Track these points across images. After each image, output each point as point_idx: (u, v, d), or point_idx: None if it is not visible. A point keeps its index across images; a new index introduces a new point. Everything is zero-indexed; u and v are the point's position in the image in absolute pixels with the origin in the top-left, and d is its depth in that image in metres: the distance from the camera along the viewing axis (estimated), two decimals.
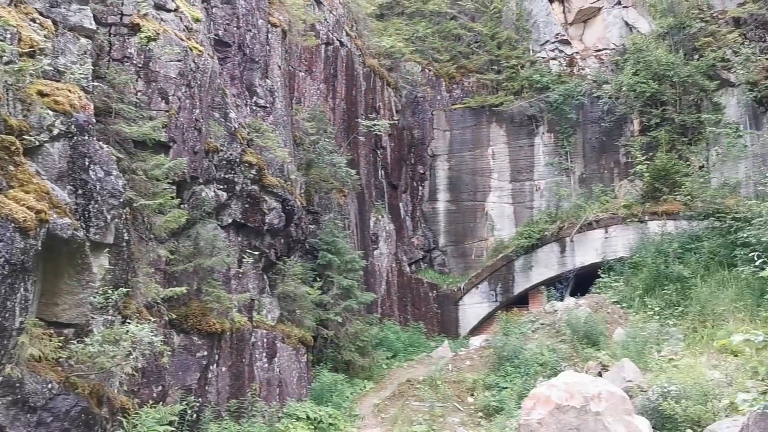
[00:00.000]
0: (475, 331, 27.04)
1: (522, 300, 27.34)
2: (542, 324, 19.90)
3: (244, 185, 14.75)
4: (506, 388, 16.42)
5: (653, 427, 11.43)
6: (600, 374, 16.12)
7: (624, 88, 26.55)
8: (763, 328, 17.73)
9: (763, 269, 19.19)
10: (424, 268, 29.19)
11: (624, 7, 30.05)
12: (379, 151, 27.47)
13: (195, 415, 12.10)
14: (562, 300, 23.80)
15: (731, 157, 24.60)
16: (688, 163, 25.41)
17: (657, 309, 19.89)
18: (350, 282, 18.89)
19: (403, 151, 29.26)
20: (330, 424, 15.32)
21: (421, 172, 30.19)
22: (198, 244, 13.16)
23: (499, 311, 26.82)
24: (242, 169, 14.69)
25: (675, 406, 11.57)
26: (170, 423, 10.98)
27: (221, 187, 14.40)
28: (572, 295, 25.08)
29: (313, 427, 14.85)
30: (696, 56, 26.47)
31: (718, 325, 18.24)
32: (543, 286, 26.61)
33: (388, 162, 28.08)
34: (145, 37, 12.41)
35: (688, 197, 23.01)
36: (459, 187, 29.94)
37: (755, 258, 19.45)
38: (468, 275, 28.28)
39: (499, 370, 17.54)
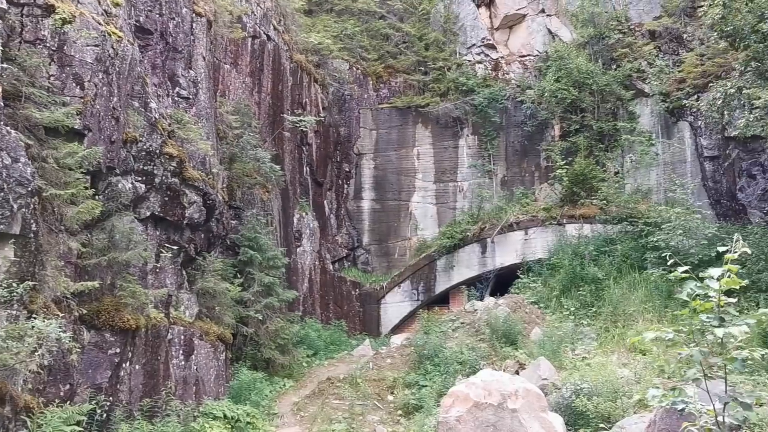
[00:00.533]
0: (397, 329, 27.19)
1: (443, 299, 27.67)
2: (463, 323, 20.18)
3: (163, 177, 14.29)
4: (426, 386, 16.56)
5: (566, 424, 11.77)
6: (517, 372, 16.48)
7: (546, 94, 27.28)
8: (670, 327, 18.56)
9: (671, 271, 20.16)
10: (347, 266, 29.14)
11: (547, 15, 30.89)
12: (304, 148, 27.23)
13: (105, 415, 11.66)
14: (482, 300, 24.21)
15: (644, 165, 25.67)
16: (604, 168, 26.39)
17: (572, 309, 20.54)
18: (272, 279, 18.64)
19: (329, 149, 29.12)
20: (248, 422, 15.05)
21: (347, 170, 30.12)
22: (113, 237, 12.67)
23: (421, 310, 27.15)
24: (162, 160, 14.23)
25: (587, 403, 11.94)
26: (78, 423, 10.53)
27: (139, 178, 13.90)
28: (492, 294, 25.57)
29: (230, 426, 14.55)
30: (614, 66, 27.53)
31: (629, 325, 19.00)
32: (464, 286, 27.06)
33: (314, 159, 27.88)
34: (60, 19, 11.83)
35: (604, 202, 23.86)
36: (384, 186, 30.04)
37: (667, 259, 20.32)
38: (391, 274, 28.41)
39: (419, 368, 17.68)
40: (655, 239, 20.70)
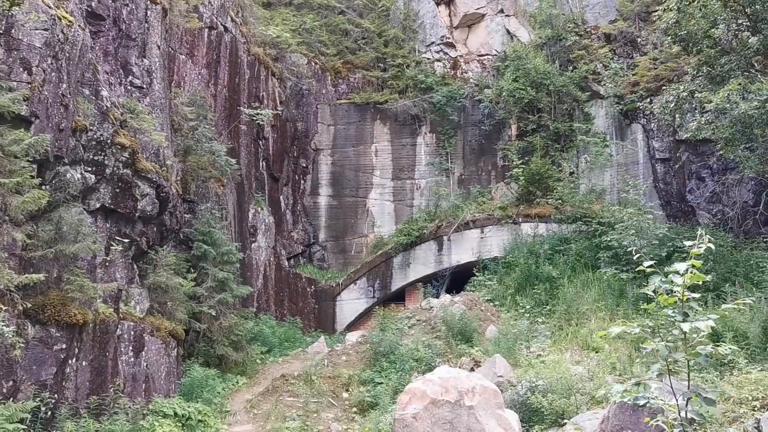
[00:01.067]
0: (353, 326, 27.04)
1: (399, 296, 27.62)
2: (419, 320, 20.15)
3: (115, 168, 13.86)
4: (381, 383, 16.45)
5: (521, 420, 11.81)
6: (473, 369, 16.51)
7: (504, 94, 27.47)
8: (635, 323, 18.84)
9: (624, 271, 20.48)
10: (303, 262, 28.86)
11: (506, 15, 31.15)
12: (261, 142, 26.85)
13: (50, 413, 11.24)
14: (437, 297, 24.24)
15: (598, 165, 26.06)
16: (560, 168, 26.71)
17: (527, 307, 20.68)
18: (226, 274, 18.29)
19: (286, 144, 28.78)
20: (199, 420, 14.71)
21: (304, 165, 29.83)
22: (60, 229, 12.23)
23: (377, 307, 27.07)
24: (114, 151, 13.80)
25: (542, 400, 12.00)
26: (21, 421, 10.14)
27: (89, 169, 13.47)
28: (448, 292, 25.61)
29: (181, 424, 14.20)
30: (570, 67, 27.88)
31: (582, 323, 19.21)
32: (420, 283, 27.07)
33: (270, 154, 27.51)
34: (8, 1, 11.37)
35: (559, 201, 24.12)
36: (341, 182, 29.85)
37: (621, 259, 20.80)
38: (347, 271, 28.24)
39: (375, 365, 17.57)
40: (608, 239, 20.99)
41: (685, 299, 4.82)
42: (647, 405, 4.91)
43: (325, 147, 30.12)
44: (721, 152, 18.18)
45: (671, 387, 4.84)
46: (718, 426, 7.79)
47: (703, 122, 17.37)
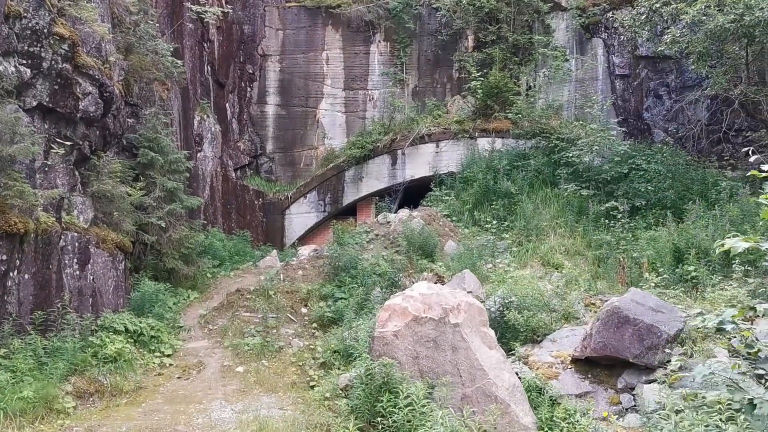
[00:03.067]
0: (302, 241, 26.35)
1: (350, 211, 26.96)
2: (377, 235, 19.58)
3: (53, 62, 12.36)
4: (342, 298, 15.93)
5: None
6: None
7: (463, 2, 26.26)
8: (579, 240, 18.79)
9: (583, 187, 20.27)
10: (250, 174, 27.73)
11: None
12: (206, 45, 25.08)
13: None
14: (391, 213, 23.66)
15: (557, 80, 25.48)
16: (517, 82, 26.02)
17: (488, 223, 20.37)
18: (175, 184, 17.15)
19: (232, 48, 27.04)
20: (152, 336, 13.94)
21: (250, 72, 28.23)
22: None
23: (333, 222, 26.44)
24: (51, 42, 12.26)
25: (518, 317, 11.68)
26: None
27: (24, 62, 11.94)
28: (400, 208, 25.08)
29: (133, 340, 13.40)
30: None
31: (541, 239, 19.03)
32: (372, 198, 26.47)
33: (216, 58, 25.81)
34: None
35: (519, 116, 23.54)
36: (290, 91, 28.46)
37: (583, 176, 20.53)
38: (296, 184, 27.31)
39: (334, 280, 17.01)
40: (570, 155, 20.67)
41: None
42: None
43: (273, 53, 28.49)
44: (693, 67, 17.77)
45: None
46: None
47: (678, 35, 16.83)
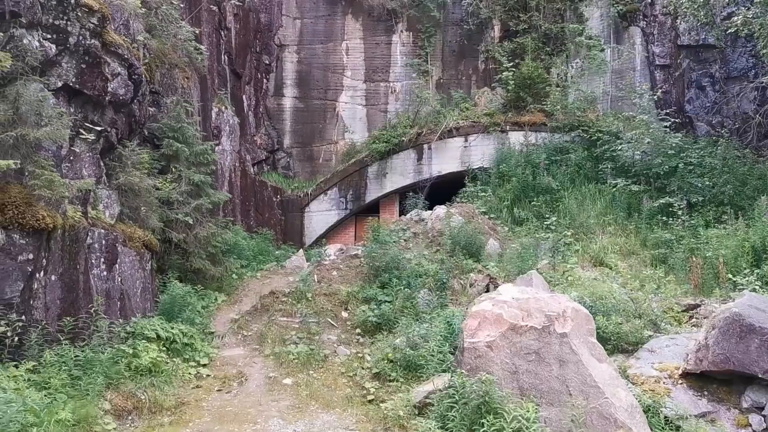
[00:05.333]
0: (322, 239, 25.06)
1: (372, 209, 25.69)
2: (414, 233, 18.30)
3: (80, 37, 11.03)
4: (387, 301, 14.64)
5: None
6: (488, 287, 14.92)
7: None
8: (633, 239, 17.59)
9: (634, 182, 19.07)
10: (267, 170, 26.41)
11: None
12: (222, 33, 23.73)
13: (17, 339, 8.93)
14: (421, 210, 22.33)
15: (591, 72, 24.27)
16: (548, 73, 24.81)
17: (527, 221, 19.16)
18: (202, 177, 15.81)
19: (248, 37, 25.70)
20: (185, 344, 12.62)
21: (267, 63, 26.91)
22: (18, 109, 9.57)
23: (349, 220, 25.22)
24: (79, 14, 10.94)
25: (606, 324, 10.44)
26: None
27: (49, 36, 10.62)
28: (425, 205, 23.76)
29: (165, 347, 12.08)
30: None
31: (589, 237, 17.82)
32: (396, 195, 25.25)
33: (233, 47, 24.45)
34: None
35: (558, 108, 22.32)
36: (308, 83, 27.18)
37: (631, 171, 19.32)
38: (315, 180, 26.02)
39: (375, 281, 15.72)
40: (617, 148, 19.44)
41: None
42: None
43: (290, 43, 27.20)
44: (764, 51, 16.53)
45: None
46: None
47: (750, 16, 15.63)
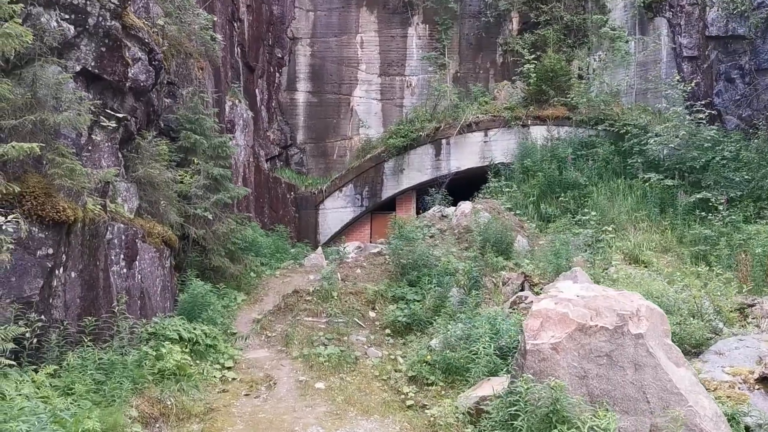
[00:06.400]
0: (337, 237, 24.38)
1: (388, 206, 24.99)
2: (439, 229, 17.59)
3: (100, 18, 10.32)
4: (416, 300, 13.95)
5: None
6: (523, 285, 14.20)
7: None
8: (669, 235, 16.86)
9: (666, 177, 18.37)
10: (280, 166, 25.70)
11: None
12: (236, 24, 23.04)
13: (36, 340, 8.21)
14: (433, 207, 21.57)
15: (615, 64, 23.55)
16: (569, 66, 24.12)
17: (555, 217, 18.46)
18: (221, 171, 15.12)
19: (261, 29, 25.01)
20: (208, 345, 11.92)
21: (279, 56, 26.22)
22: (36, 93, 8.86)
23: (364, 217, 24.53)
24: None
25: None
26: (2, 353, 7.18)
27: (67, 17, 9.91)
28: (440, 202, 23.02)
29: (188, 349, 11.38)
30: None
31: (621, 234, 17.10)
32: (413, 192, 24.55)
33: (246, 39, 23.77)
34: None
35: (584, 101, 21.60)
36: (322, 77, 26.49)
37: (663, 166, 18.68)
38: (330, 177, 25.33)
39: (402, 279, 15.02)
40: (651, 141, 18.73)
41: None
42: None
43: (303, 36, 26.50)
44: None
45: None
46: None
47: None
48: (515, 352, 10.10)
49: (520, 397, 7.34)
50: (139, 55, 11.34)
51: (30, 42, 7.65)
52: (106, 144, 11.15)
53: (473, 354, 10.32)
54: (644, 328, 7.28)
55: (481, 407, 8.34)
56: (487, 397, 8.52)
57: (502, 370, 9.79)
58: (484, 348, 9.80)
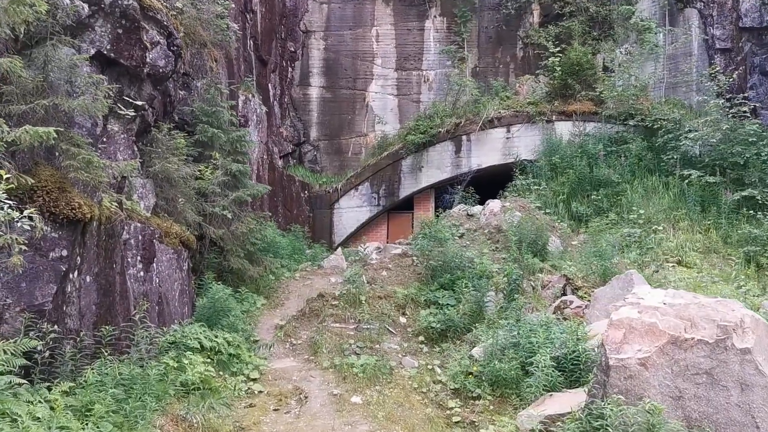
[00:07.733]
0: (352, 238, 23.44)
1: (405, 205, 24.04)
2: (468, 229, 16.66)
3: None
4: (450, 305, 13.01)
5: None
6: (564, 290, 13.25)
7: None
8: (713, 235, 15.94)
9: (706, 173, 17.44)
10: (293, 164, 24.76)
11: None
12: (248, 16, 22.09)
13: (48, 353, 7.26)
14: (454, 206, 20.61)
15: (643, 57, 22.59)
16: (594, 60, 23.18)
17: (587, 217, 17.54)
18: (241, 167, 14.18)
19: (274, 21, 24.07)
20: (231, 354, 10.99)
21: (292, 50, 25.28)
22: (48, 76, 7.93)
23: (381, 217, 23.59)
24: None
25: None
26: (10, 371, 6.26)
27: None
28: (464, 201, 22.08)
29: (211, 359, 10.44)
30: None
31: (658, 234, 16.16)
32: (431, 190, 23.60)
33: (259, 31, 22.83)
34: None
35: (613, 95, 20.65)
36: (336, 71, 25.54)
37: (699, 162, 17.81)
38: (345, 175, 24.36)
39: (432, 282, 14.09)
40: (690, 136, 17.78)
41: None
42: None
43: (316, 29, 25.56)
44: None
45: None
46: None
47: None
48: (573, 364, 9.20)
49: (605, 419, 6.39)
50: (157, 38, 10.40)
51: (44, 13, 6.69)
52: (122, 135, 10.20)
53: (526, 365, 9.39)
54: (751, 341, 6.34)
55: (551, 429, 7.39)
56: (555, 416, 7.57)
57: (560, 384, 8.86)
58: (543, 359, 8.83)
